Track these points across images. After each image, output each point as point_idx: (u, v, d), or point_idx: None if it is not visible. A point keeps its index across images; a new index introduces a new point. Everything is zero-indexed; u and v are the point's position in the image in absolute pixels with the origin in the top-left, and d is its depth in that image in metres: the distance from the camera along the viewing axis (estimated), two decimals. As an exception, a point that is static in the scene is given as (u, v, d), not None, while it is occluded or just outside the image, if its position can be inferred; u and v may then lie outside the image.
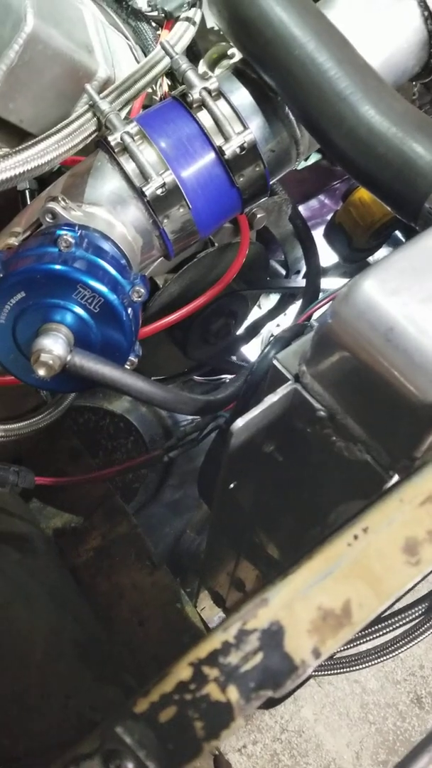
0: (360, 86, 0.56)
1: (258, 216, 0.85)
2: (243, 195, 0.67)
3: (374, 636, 0.82)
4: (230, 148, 0.63)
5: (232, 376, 1.24)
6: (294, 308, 1.27)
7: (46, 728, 0.61)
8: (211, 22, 0.83)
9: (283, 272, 1.21)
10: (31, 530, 0.89)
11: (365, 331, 0.44)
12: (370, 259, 1.30)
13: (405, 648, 0.84)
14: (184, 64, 0.64)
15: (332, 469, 0.52)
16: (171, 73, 0.69)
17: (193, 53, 0.87)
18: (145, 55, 0.78)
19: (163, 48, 0.66)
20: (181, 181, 0.63)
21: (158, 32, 0.81)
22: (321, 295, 1.13)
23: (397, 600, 0.81)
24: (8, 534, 0.84)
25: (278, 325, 1.33)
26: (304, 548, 0.34)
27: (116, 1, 0.85)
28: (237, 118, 0.65)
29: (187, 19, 0.73)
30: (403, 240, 1.31)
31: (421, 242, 0.47)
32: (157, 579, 0.94)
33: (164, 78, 0.76)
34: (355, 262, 1.29)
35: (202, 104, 0.64)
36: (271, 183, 0.70)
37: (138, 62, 0.78)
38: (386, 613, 0.79)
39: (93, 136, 0.66)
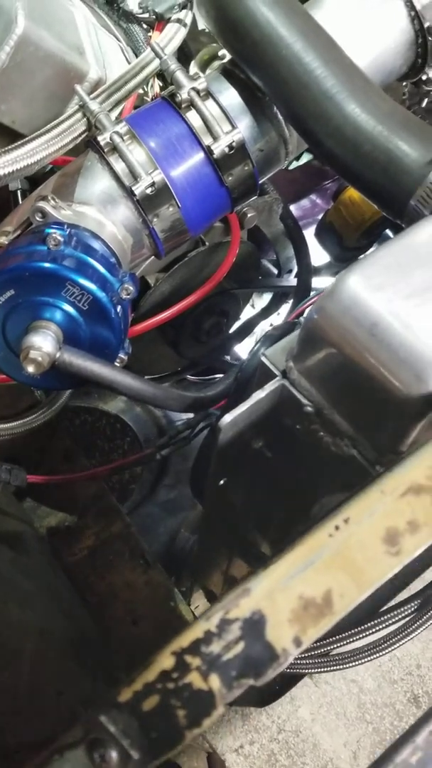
0: (346, 85, 0.56)
1: (248, 215, 0.85)
2: (232, 194, 0.68)
3: (368, 633, 0.82)
4: (219, 148, 0.64)
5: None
6: (287, 307, 1.27)
7: (37, 723, 0.61)
8: (203, 24, 0.84)
9: (275, 271, 1.22)
10: (24, 529, 0.89)
11: (350, 326, 0.45)
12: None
13: (398, 644, 0.84)
14: (173, 64, 0.65)
15: (320, 465, 0.53)
16: (162, 75, 0.70)
17: (184, 54, 0.88)
18: (137, 57, 0.79)
19: (153, 49, 0.66)
20: (170, 180, 0.63)
21: (149, 34, 0.81)
22: (312, 294, 1.14)
23: (395, 597, 0.81)
24: (1, 533, 0.84)
25: (271, 325, 1.33)
26: (288, 540, 0.35)
27: (108, 3, 0.85)
28: (225, 118, 0.65)
29: (178, 20, 0.74)
30: (394, 239, 1.31)
31: (406, 239, 0.48)
32: (150, 578, 0.94)
33: (155, 79, 0.77)
34: (346, 261, 1.30)
35: (191, 104, 0.64)
36: (260, 182, 0.70)
37: (129, 64, 0.79)
38: (381, 610, 0.79)
39: (83, 136, 0.66)
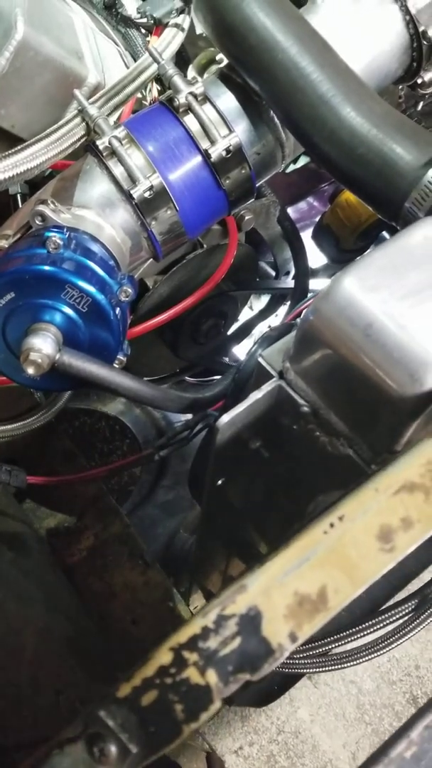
0: (341, 89, 0.57)
1: (246, 218, 0.86)
2: (230, 197, 0.68)
3: (366, 632, 0.82)
4: (216, 151, 0.65)
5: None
6: (284, 309, 1.28)
7: (36, 722, 0.61)
8: (200, 29, 0.85)
9: (273, 273, 1.23)
10: (24, 530, 0.89)
11: (345, 327, 0.45)
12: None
13: (396, 644, 0.85)
14: (171, 69, 0.66)
15: (316, 464, 0.53)
16: (161, 79, 0.71)
17: (182, 59, 0.88)
18: (135, 61, 0.80)
19: (151, 54, 0.67)
20: (168, 184, 0.64)
21: (148, 39, 0.82)
22: (309, 295, 1.15)
23: (394, 596, 0.81)
24: (1, 533, 0.85)
25: (269, 326, 1.34)
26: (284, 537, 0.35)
27: (106, 8, 0.86)
28: (223, 122, 0.66)
29: (176, 25, 0.75)
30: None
31: (401, 240, 0.49)
32: (149, 578, 0.95)
33: (154, 83, 0.78)
34: (343, 263, 1.31)
35: (189, 108, 0.65)
36: (257, 185, 0.71)
37: (128, 68, 0.80)
38: (379, 609, 0.80)
39: (82, 140, 0.67)
